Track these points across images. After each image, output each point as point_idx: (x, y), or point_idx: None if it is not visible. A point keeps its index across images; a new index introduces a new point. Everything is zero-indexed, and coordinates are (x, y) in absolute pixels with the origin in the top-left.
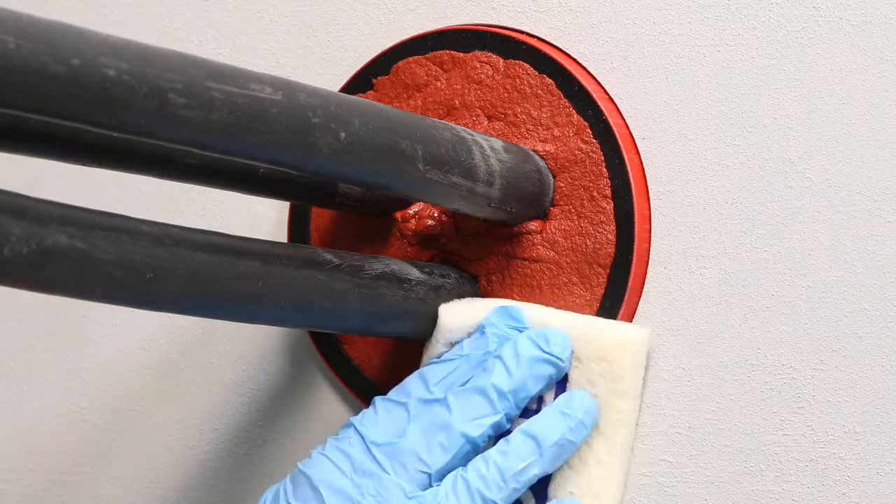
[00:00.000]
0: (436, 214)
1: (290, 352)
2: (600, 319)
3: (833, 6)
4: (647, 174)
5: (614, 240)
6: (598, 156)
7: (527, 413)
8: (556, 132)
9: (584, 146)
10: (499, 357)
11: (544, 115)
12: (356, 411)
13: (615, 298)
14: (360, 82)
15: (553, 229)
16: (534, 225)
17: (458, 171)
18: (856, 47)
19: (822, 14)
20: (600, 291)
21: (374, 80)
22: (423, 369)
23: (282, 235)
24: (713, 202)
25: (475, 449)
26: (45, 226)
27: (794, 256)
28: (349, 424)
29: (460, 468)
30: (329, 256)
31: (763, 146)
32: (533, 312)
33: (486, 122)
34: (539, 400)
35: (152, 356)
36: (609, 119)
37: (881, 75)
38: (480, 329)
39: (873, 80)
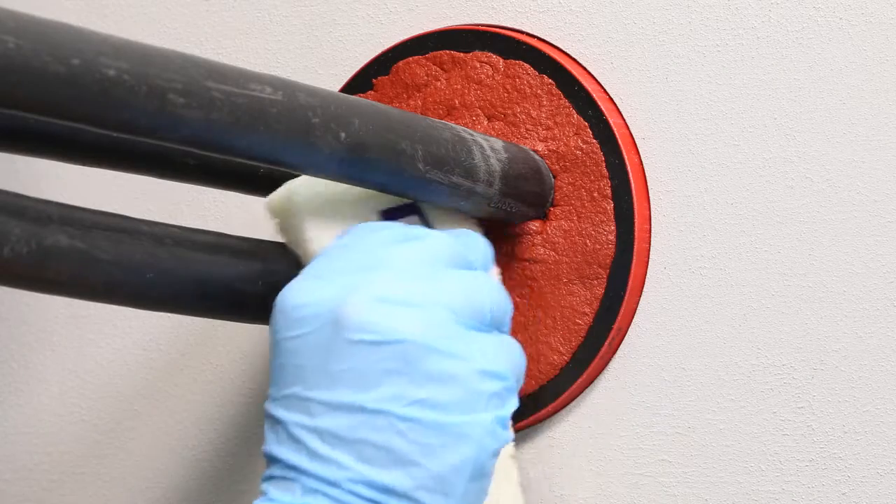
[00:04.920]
0: None
1: None
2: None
3: (833, 6)
4: (647, 174)
5: (614, 240)
6: (598, 156)
7: None
8: (556, 132)
9: (584, 146)
10: None
11: (544, 115)
12: None
13: (615, 298)
14: (360, 82)
15: (553, 230)
16: (534, 225)
17: (458, 171)
18: (856, 47)
19: (822, 14)
20: (600, 291)
21: (374, 80)
22: None
23: None
24: (713, 202)
25: None
26: (45, 226)
27: (794, 256)
28: None
29: None
30: None
31: (763, 146)
32: None
33: (486, 122)
34: None
35: (152, 356)
36: (609, 119)
37: (881, 75)
38: None
39: (873, 80)
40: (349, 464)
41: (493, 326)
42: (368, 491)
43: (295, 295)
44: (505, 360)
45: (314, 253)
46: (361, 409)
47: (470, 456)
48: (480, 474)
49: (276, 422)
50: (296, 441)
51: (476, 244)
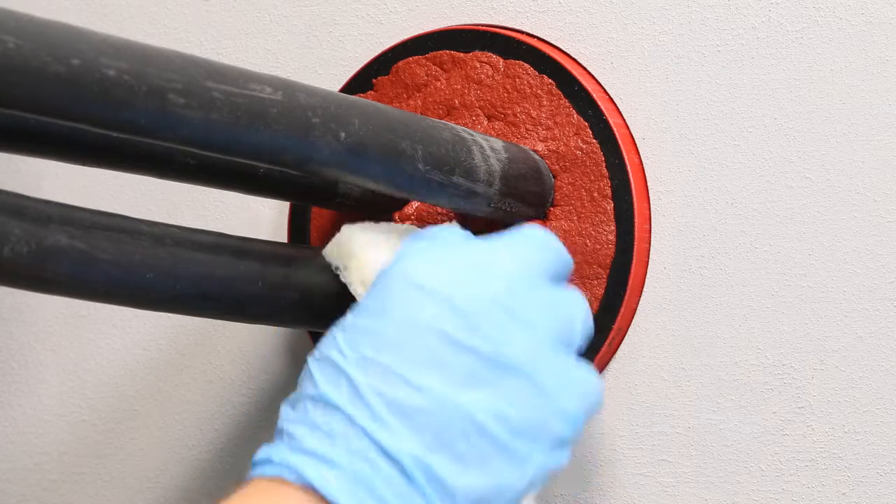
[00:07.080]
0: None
1: (290, 352)
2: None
3: (833, 6)
4: (647, 174)
5: (614, 240)
6: (598, 156)
7: None
8: (556, 132)
9: (584, 146)
10: None
11: (544, 115)
12: None
13: (615, 298)
14: (360, 82)
15: (553, 230)
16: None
17: (458, 171)
18: (856, 47)
19: (822, 14)
20: (600, 291)
21: (374, 80)
22: None
23: (282, 235)
24: (713, 202)
25: None
26: (45, 226)
27: (794, 256)
28: None
29: None
30: None
31: (763, 146)
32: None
33: (486, 122)
34: None
35: (152, 356)
36: (609, 119)
37: (881, 75)
38: None
39: (873, 80)
40: (410, 439)
41: (578, 348)
42: (419, 473)
43: (425, 271)
44: (584, 403)
45: (372, 265)
46: (443, 399)
47: (512, 485)
48: None
49: (341, 373)
50: (361, 398)
51: (561, 250)
